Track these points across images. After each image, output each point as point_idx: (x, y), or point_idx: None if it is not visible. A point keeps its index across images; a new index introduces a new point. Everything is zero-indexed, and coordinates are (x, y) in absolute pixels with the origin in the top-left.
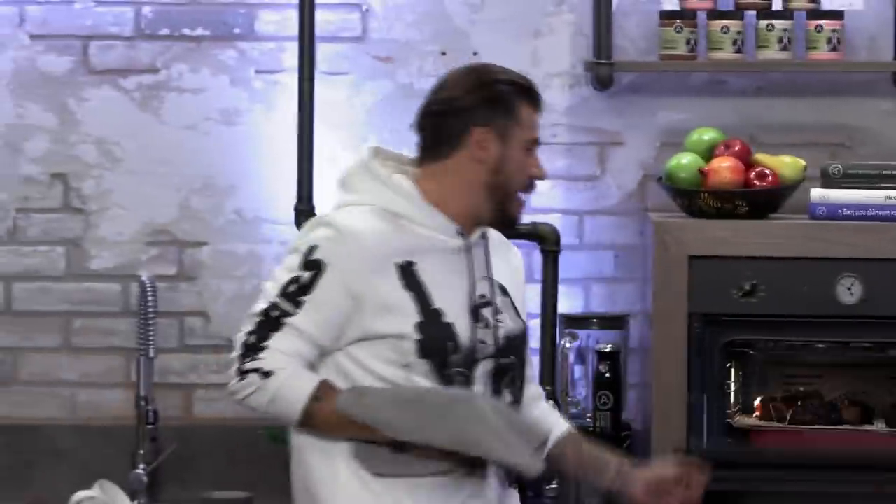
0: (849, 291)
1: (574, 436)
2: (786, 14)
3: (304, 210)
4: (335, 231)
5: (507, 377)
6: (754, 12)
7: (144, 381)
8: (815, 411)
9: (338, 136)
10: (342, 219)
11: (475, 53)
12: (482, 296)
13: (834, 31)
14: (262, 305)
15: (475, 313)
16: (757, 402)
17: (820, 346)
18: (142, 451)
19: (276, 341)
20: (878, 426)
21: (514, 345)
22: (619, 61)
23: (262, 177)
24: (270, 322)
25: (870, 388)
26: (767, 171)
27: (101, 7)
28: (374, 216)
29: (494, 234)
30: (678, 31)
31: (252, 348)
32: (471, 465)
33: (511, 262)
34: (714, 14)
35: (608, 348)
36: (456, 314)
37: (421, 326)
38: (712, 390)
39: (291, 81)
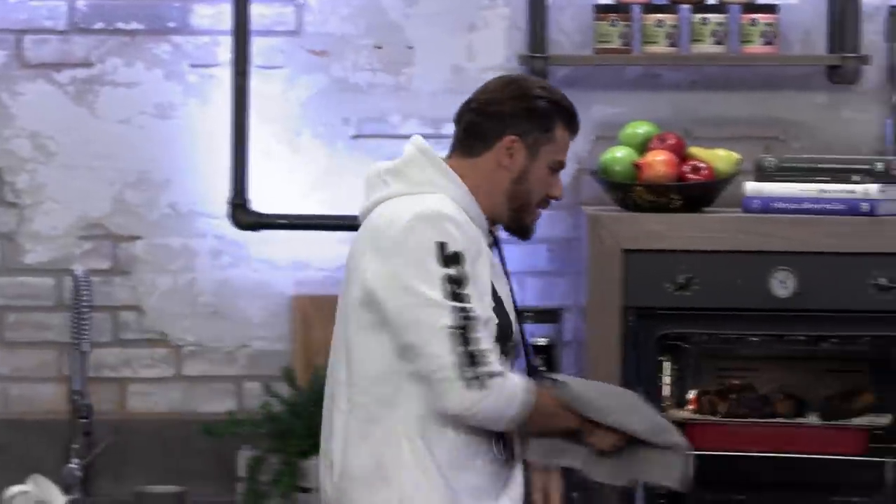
0: (783, 285)
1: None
2: (720, 8)
3: (239, 204)
4: (449, 221)
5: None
6: (689, 6)
7: (78, 376)
8: (749, 405)
9: (272, 130)
10: (444, 207)
11: (410, 47)
12: (512, 291)
13: (768, 24)
14: (442, 320)
15: (520, 314)
16: (691, 396)
17: (754, 339)
18: (76, 446)
19: (482, 341)
20: (812, 419)
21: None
22: (554, 55)
23: (197, 171)
24: (463, 327)
25: (803, 381)
26: (702, 165)
27: (36, 1)
28: (454, 205)
29: None
30: (613, 25)
31: (471, 358)
32: (511, 455)
33: None
34: (649, 8)
35: (543, 341)
36: (509, 306)
37: (496, 311)
38: (646, 384)
39: (226, 75)
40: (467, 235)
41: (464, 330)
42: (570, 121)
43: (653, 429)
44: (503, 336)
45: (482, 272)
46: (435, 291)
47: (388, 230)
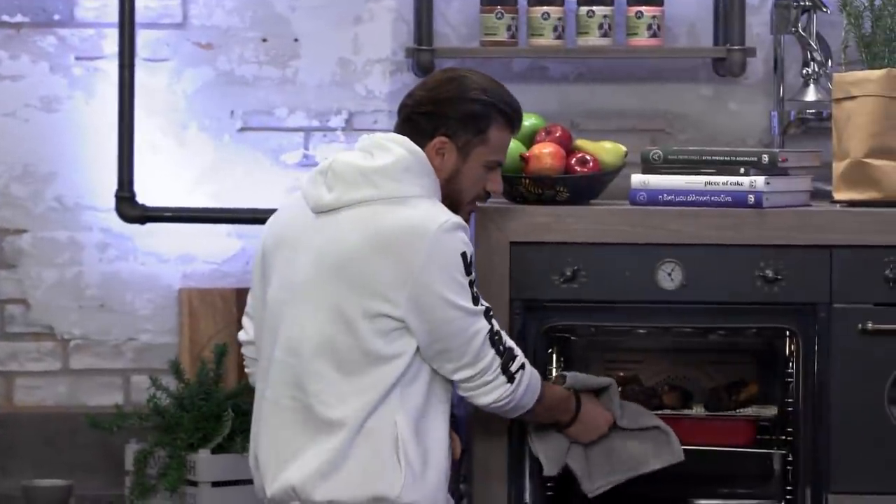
0: (669, 277)
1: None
2: (606, 0)
3: (125, 197)
4: (462, 229)
5: None
6: None
7: None
8: (635, 396)
9: (158, 123)
10: (456, 218)
11: (296, 40)
12: None
13: (654, 17)
14: (480, 327)
15: None
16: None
17: (641, 331)
18: None
19: (504, 335)
20: (697, 410)
21: None
22: (440, 48)
23: (83, 164)
24: (493, 325)
25: (690, 373)
26: (588, 157)
27: None
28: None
29: None
30: (499, 18)
31: (507, 352)
32: None
33: None
34: (535, 0)
35: None
36: None
37: None
38: None
39: (112, 68)
40: (468, 236)
41: (494, 330)
42: (509, 120)
43: (633, 414)
44: None
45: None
46: (468, 302)
47: (413, 242)
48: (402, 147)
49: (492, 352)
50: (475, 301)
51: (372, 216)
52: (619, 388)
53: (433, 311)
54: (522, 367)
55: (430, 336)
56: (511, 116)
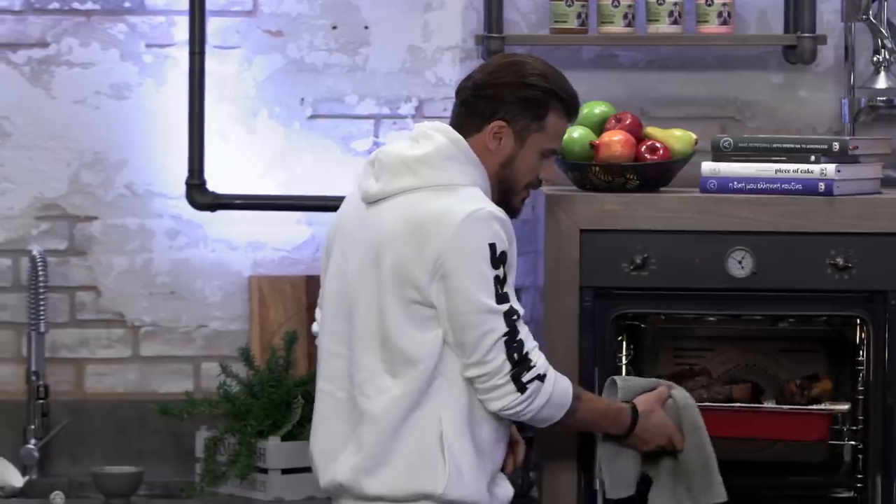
0: (739, 265)
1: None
2: None
3: (195, 184)
4: (497, 221)
5: None
6: None
7: (35, 356)
8: (706, 390)
9: (228, 111)
10: (489, 205)
11: (366, 27)
12: None
13: (724, 4)
14: (496, 326)
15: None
16: None
17: (711, 319)
18: (33, 427)
19: (529, 342)
20: (768, 403)
21: None
22: (510, 35)
23: (153, 151)
24: (514, 329)
25: (759, 362)
26: (658, 145)
27: None
28: (487, 197)
29: None
30: (569, 5)
31: (522, 363)
32: None
33: None
34: None
35: None
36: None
37: None
38: (604, 364)
39: (182, 55)
40: (507, 230)
41: (513, 334)
42: (566, 108)
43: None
44: None
45: (514, 261)
46: (489, 297)
47: (440, 229)
48: (443, 135)
49: (503, 356)
50: (499, 299)
51: (413, 205)
52: (692, 381)
53: (452, 299)
54: (540, 378)
55: (448, 323)
56: (569, 104)
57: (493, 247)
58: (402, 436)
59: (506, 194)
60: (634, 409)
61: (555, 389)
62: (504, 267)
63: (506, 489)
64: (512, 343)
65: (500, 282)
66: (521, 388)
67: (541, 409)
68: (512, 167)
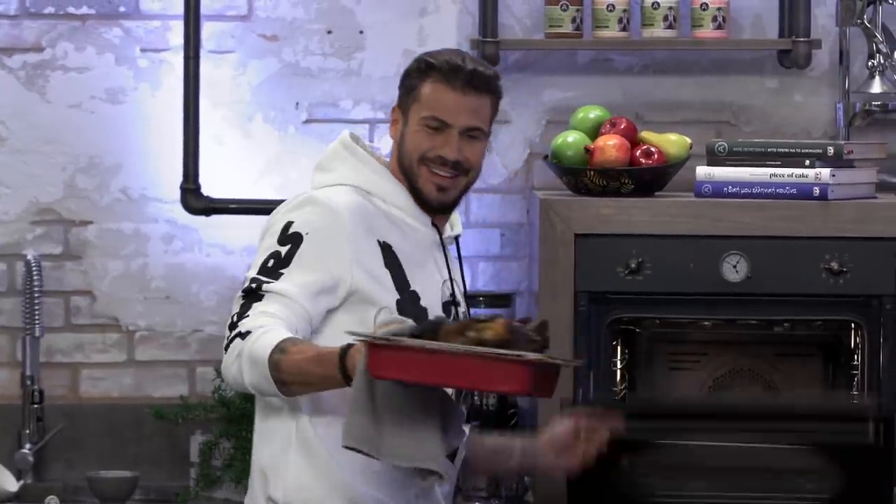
0: (734, 269)
1: (472, 431)
2: None
3: (190, 189)
4: (313, 205)
5: None
6: None
7: (30, 361)
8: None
9: (223, 115)
10: (321, 195)
11: (361, 32)
12: (451, 295)
13: (719, 9)
14: (243, 287)
15: (447, 309)
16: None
17: (706, 323)
18: (28, 431)
19: (259, 307)
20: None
21: None
22: (505, 39)
23: (148, 155)
24: (252, 296)
25: (756, 366)
26: (653, 149)
27: None
28: (352, 193)
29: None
30: (564, 10)
31: (232, 327)
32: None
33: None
34: None
35: None
36: (430, 302)
37: (399, 304)
38: (599, 368)
39: (177, 60)
40: (326, 218)
41: (248, 298)
42: (440, 73)
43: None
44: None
45: (353, 255)
46: (255, 265)
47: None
48: (337, 139)
49: (234, 313)
50: (261, 268)
51: None
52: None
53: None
54: (241, 336)
55: None
56: (441, 68)
57: (288, 224)
58: (253, 450)
59: (410, 182)
60: (346, 347)
61: (253, 346)
62: (293, 249)
63: None
64: (242, 306)
65: (275, 257)
66: (225, 349)
67: (237, 367)
68: (403, 146)
